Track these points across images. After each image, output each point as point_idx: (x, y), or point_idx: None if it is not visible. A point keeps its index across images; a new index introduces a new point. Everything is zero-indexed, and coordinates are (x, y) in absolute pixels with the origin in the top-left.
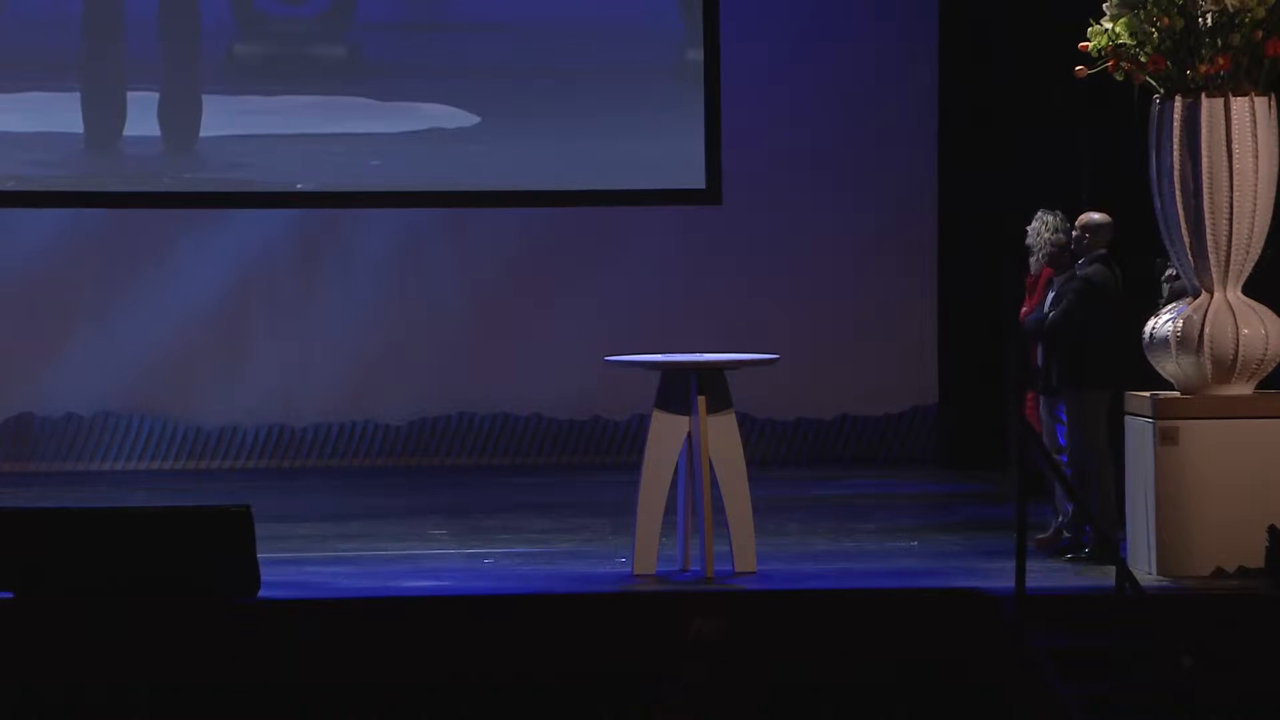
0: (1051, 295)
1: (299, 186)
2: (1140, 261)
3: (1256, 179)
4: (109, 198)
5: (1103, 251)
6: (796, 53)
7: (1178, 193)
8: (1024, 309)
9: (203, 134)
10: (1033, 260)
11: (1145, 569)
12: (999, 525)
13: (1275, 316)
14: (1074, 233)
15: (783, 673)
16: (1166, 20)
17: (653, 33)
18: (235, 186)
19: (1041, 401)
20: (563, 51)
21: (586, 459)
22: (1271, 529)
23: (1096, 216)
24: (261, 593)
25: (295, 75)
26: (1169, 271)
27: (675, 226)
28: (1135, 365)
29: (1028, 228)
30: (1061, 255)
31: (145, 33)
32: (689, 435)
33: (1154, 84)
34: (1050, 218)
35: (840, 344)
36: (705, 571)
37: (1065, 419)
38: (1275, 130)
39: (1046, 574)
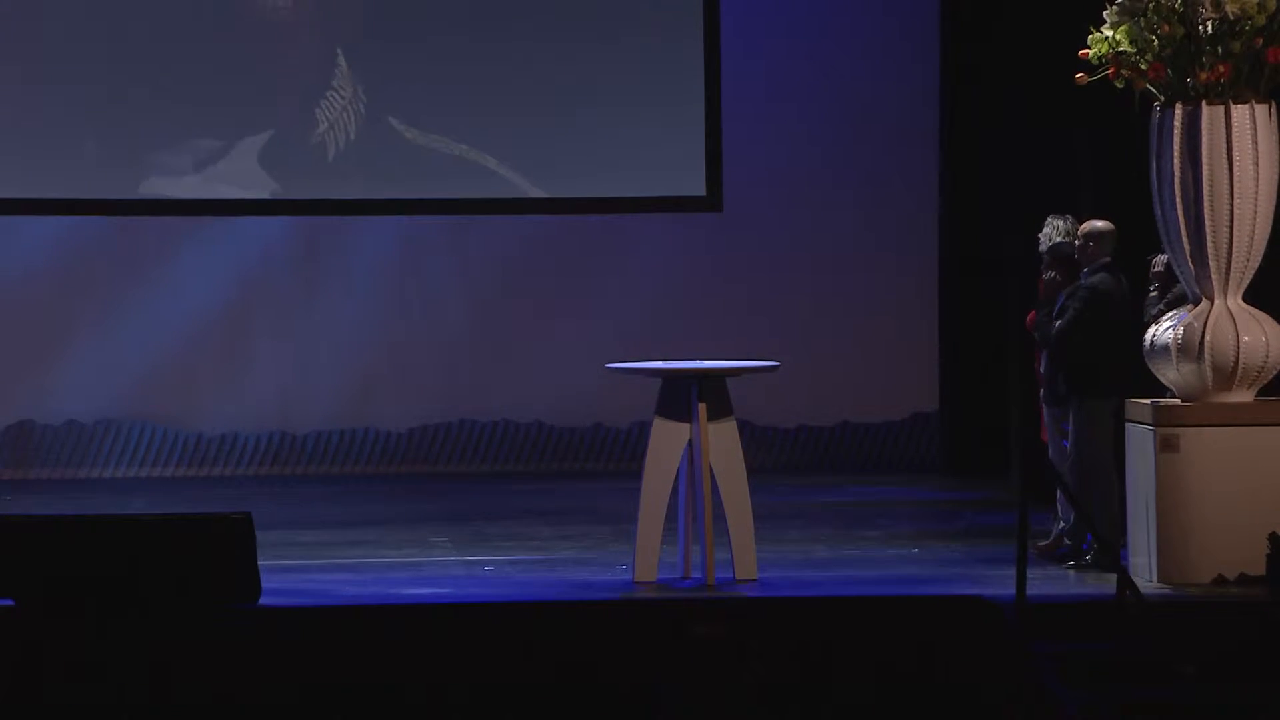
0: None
1: (299, 194)
2: (1142, 267)
3: (1257, 186)
4: (110, 205)
5: (1107, 259)
6: (797, 60)
7: (1178, 200)
8: (1030, 316)
9: (205, 140)
10: (1042, 266)
11: (1146, 576)
12: (1000, 532)
13: (1275, 324)
14: (1077, 241)
15: (783, 680)
16: (1167, 28)
17: (654, 40)
18: (236, 193)
19: (1044, 412)
20: (563, 59)
21: (587, 466)
22: (1272, 536)
23: (1099, 224)
24: (262, 600)
25: (296, 81)
26: (1160, 257)
27: (676, 233)
28: (1140, 373)
29: (1039, 234)
30: (1065, 263)
31: (149, 39)
32: (690, 442)
33: (1154, 91)
34: (1061, 222)
35: (841, 351)
36: (706, 579)
37: (1069, 427)
38: (1276, 137)
39: (1047, 581)
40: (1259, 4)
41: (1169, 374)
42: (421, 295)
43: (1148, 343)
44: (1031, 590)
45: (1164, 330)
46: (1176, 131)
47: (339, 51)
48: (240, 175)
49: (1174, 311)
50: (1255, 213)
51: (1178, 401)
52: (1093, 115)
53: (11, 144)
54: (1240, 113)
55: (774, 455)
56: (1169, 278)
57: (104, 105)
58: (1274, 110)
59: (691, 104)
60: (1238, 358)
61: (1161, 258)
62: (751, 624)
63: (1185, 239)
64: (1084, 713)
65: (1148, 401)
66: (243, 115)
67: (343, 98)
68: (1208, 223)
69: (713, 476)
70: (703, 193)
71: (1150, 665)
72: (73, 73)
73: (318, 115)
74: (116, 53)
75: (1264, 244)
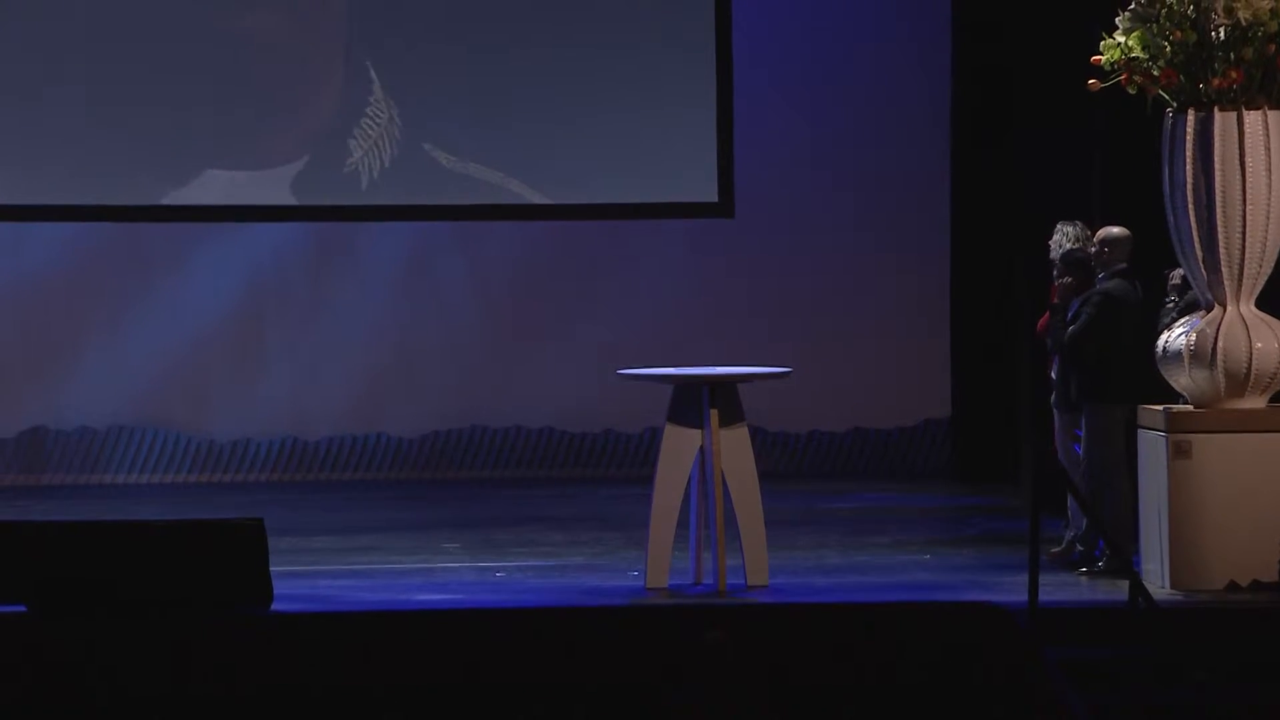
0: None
1: (311, 199)
2: (1152, 272)
3: (1269, 193)
4: (121, 211)
5: (1123, 265)
6: (809, 66)
7: (1190, 206)
8: (1041, 321)
9: (213, 145)
10: (1056, 273)
11: (1158, 583)
12: (1012, 538)
13: None
14: (1092, 247)
15: (793, 686)
16: (1179, 34)
17: (665, 46)
18: (247, 199)
19: (1056, 417)
20: (574, 64)
21: (599, 472)
22: None
23: (1115, 230)
24: (274, 606)
25: (306, 87)
26: (1177, 270)
27: (688, 239)
28: (1152, 379)
29: (1049, 241)
30: (1079, 268)
31: (157, 42)
32: (701, 448)
33: (1167, 97)
34: (1070, 228)
35: (852, 356)
36: (717, 585)
37: (1082, 433)
38: None
39: (1059, 587)
40: (1271, 10)
41: (1181, 380)
42: (433, 301)
43: (1160, 349)
44: (1043, 596)
45: (1176, 336)
46: (1189, 138)
47: (348, 57)
48: (251, 181)
49: (1186, 318)
50: (1268, 219)
51: (1190, 408)
52: (1105, 121)
53: (24, 150)
54: (1253, 119)
55: (785, 461)
56: (1186, 290)
57: (114, 112)
58: None
59: (703, 110)
60: (1250, 364)
61: (1179, 270)
62: (762, 629)
63: (1198, 245)
64: (1095, 719)
65: (1160, 408)
66: (253, 121)
67: (354, 104)
68: (1220, 229)
69: (724, 482)
70: (714, 199)
71: (1162, 671)
72: (82, 78)
73: (328, 121)
74: (125, 54)
75: (1276, 250)
